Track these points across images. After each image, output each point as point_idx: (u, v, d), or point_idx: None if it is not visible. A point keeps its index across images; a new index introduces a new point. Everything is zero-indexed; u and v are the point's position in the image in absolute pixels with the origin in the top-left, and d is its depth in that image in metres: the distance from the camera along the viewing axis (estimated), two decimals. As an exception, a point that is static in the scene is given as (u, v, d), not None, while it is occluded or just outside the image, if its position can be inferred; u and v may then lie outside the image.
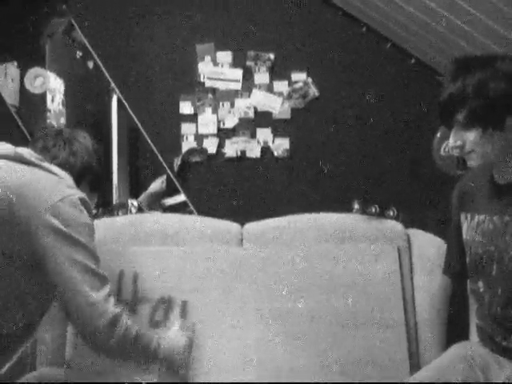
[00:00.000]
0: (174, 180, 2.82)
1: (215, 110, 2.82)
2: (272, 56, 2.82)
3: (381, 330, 1.96)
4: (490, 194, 1.52)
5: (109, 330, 1.35)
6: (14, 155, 1.41)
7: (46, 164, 1.44)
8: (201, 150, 2.82)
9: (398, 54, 2.79)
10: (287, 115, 2.82)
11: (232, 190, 2.83)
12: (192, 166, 2.83)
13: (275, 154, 2.82)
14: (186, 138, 2.83)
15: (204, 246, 2.09)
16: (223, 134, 2.83)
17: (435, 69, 2.75)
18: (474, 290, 1.59)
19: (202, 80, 2.83)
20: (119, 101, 2.84)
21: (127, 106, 2.82)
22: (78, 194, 1.39)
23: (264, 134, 2.82)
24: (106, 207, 2.67)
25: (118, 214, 2.54)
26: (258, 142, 2.82)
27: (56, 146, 1.55)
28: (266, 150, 2.83)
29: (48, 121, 2.85)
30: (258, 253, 2.07)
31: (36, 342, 1.93)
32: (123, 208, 2.72)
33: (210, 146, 2.82)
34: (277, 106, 2.81)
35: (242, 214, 2.44)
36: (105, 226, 2.08)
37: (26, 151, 1.46)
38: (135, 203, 2.75)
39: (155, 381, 1.69)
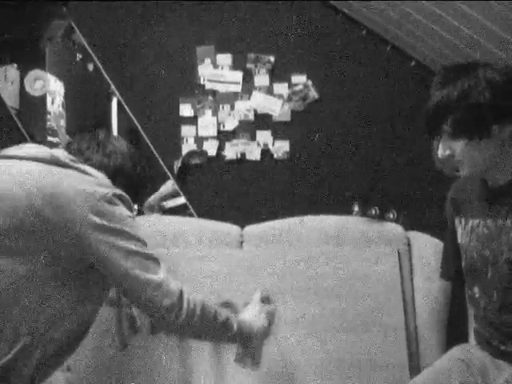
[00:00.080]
0: (174, 182, 2.82)
1: (215, 113, 2.82)
2: (272, 58, 2.82)
3: (381, 332, 1.96)
4: (483, 199, 1.52)
5: (178, 306, 1.38)
6: (51, 158, 1.41)
7: (80, 165, 1.45)
8: (201, 153, 2.82)
9: (398, 57, 2.80)
10: (287, 117, 2.82)
11: (232, 193, 2.83)
12: (192, 168, 2.83)
13: (275, 156, 2.82)
14: (186, 140, 2.83)
15: (204, 249, 2.09)
16: (223, 137, 2.83)
17: (435, 71, 2.75)
18: (470, 295, 1.59)
19: (202, 82, 2.83)
20: (119, 103, 2.84)
21: (127, 109, 2.82)
22: (112, 190, 1.40)
23: (264, 136, 2.82)
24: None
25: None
26: (258, 144, 2.82)
27: (90, 148, 1.56)
28: (265, 152, 2.83)
29: (48, 123, 2.86)
30: (258, 255, 2.08)
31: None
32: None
33: (210, 148, 2.82)
34: (277, 108, 2.81)
35: (242, 217, 2.45)
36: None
37: (61, 154, 1.47)
38: (135, 206, 2.74)
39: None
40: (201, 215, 2.73)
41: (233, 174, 2.83)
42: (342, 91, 2.82)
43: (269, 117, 2.83)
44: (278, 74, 2.82)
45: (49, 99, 2.86)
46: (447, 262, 1.74)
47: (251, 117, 2.82)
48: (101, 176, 1.47)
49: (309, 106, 2.82)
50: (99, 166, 1.52)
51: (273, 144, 2.82)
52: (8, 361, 1.28)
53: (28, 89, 2.85)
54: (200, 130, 2.82)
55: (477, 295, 1.56)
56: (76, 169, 1.42)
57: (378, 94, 2.81)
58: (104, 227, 1.33)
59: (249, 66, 2.82)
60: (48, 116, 2.86)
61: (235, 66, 2.83)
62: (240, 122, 2.82)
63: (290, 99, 2.81)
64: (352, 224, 2.17)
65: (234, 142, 2.82)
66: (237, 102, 2.82)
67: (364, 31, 2.79)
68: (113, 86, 2.82)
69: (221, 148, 2.83)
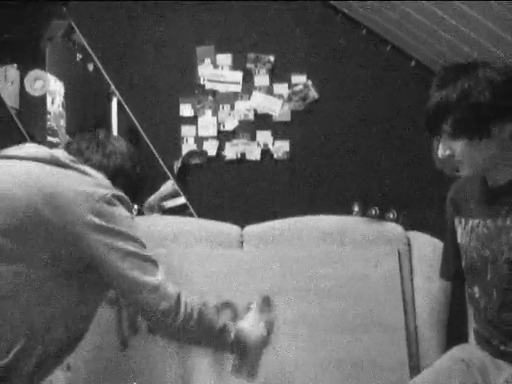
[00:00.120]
0: (174, 182, 2.82)
1: (215, 113, 2.82)
2: (272, 58, 2.82)
3: (381, 332, 1.96)
4: (483, 199, 1.52)
5: (176, 309, 1.36)
6: (50, 158, 1.41)
7: (80, 166, 1.45)
8: (201, 153, 2.82)
9: (398, 57, 2.79)
10: (287, 118, 2.82)
11: (232, 193, 2.82)
12: (192, 168, 2.83)
13: (275, 156, 2.82)
14: (186, 140, 2.83)
15: (204, 249, 2.09)
16: (223, 137, 2.83)
17: (435, 71, 2.75)
18: (470, 295, 1.59)
19: (201, 82, 2.83)
20: (119, 103, 2.84)
21: (127, 109, 2.82)
22: (112, 191, 1.40)
23: (264, 136, 2.82)
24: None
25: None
26: (258, 144, 2.82)
27: (89, 148, 1.56)
28: (265, 152, 2.83)
29: (48, 123, 2.86)
30: (258, 255, 2.08)
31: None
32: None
33: (210, 148, 2.82)
34: (277, 108, 2.81)
35: (242, 217, 2.45)
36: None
37: (61, 154, 1.47)
38: (135, 205, 2.74)
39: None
40: (201, 215, 2.73)
41: (233, 174, 2.83)
42: (342, 91, 2.82)
43: (269, 117, 2.82)
44: (277, 73, 2.82)
45: (49, 99, 2.86)
46: (447, 261, 1.75)
47: (251, 117, 2.82)
48: (100, 177, 1.47)
49: (309, 106, 2.82)
50: (99, 167, 1.53)
51: (273, 144, 2.82)
52: (9, 361, 1.28)
53: (28, 89, 2.84)
54: (200, 130, 2.82)
55: (477, 295, 1.56)
56: (76, 169, 1.42)
57: (377, 93, 2.81)
58: (103, 228, 1.33)
59: (249, 65, 2.82)
60: (48, 116, 2.86)
61: (235, 65, 2.83)
62: (240, 122, 2.82)
63: (290, 99, 2.81)
64: (352, 224, 2.17)
65: (234, 142, 2.82)
66: (237, 102, 2.82)
67: (364, 31, 2.79)
68: (113, 86, 2.82)
69: (221, 148, 2.82)
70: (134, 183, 1.64)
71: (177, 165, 2.81)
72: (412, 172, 2.79)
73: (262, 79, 2.82)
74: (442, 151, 1.43)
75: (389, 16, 2.47)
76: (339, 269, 2.04)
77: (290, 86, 2.81)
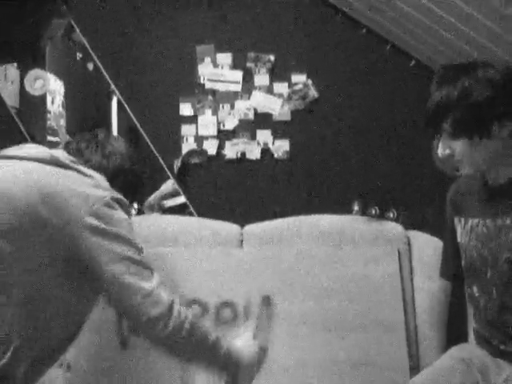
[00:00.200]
0: (174, 181, 2.82)
1: (215, 112, 2.82)
2: (272, 57, 2.82)
3: (381, 331, 1.96)
4: (483, 198, 1.52)
5: (167, 317, 1.34)
6: (50, 159, 1.41)
7: (80, 166, 1.45)
8: (201, 152, 2.82)
9: (397, 56, 2.79)
10: (287, 117, 2.82)
11: (232, 192, 2.82)
12: (192, 167, 2.83)
13: (275, 155, 2.82)
14: (186, 139, 2.83)
15: (204, 248, 2.09)
16: (223, 136, 2.83)
17: (435, 71, 2.74)
18: (470, 295, 1.59)
19: (201, 82, 2.83)
20: (119, 102, 2.84)
21: (127, 108, 2.82)
22: (111, 193, 1.40)
23: (264, 135, 2.82)
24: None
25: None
26: (258, 143, 2.82)
27: (89, 148, 1.56)
28: (265, 151, 2.83)
29: (48, 122, 2.86)
30: (258, 254, 2.08)
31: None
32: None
33: (210, 147, 2.82)
34: (277, 107, 2.81)
35: (242, 216, 2.45)
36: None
37: (60, 154, 1.47)
38: (135, 205, 2.74)
39: None
40: (201, 214, 2.73)
41: (233, 174, 2.83)
42: (341, 90, 2.82)
43: (269, 116, 2.82)
44: (277, 73, 2.82)
45: (49, 98, 2.86)
46: (447, 261, 1.75)
47: (251, 116, 2.82)
48: (100, 178, 1.47)
49: (309, 106, 2.82)
50: (98, 167, 1.53)
51: (273, 143, 2.82)
52: (5, 362, 1.28)
53: (28, 88, 2.84)
54: (200, 129, 2.82)
55: (476, 294, 1.56)
56: (75, 170, 1.42)
57: (377, 93, 2.81)
58: (100, 230, 1.32)
59: (249, 65, 2.82)
60: (48, 115, 2.86)
61: (235, 65, 2.83)
62: (240, 121, 2.82)
63: (289, 98, 2.81)
64: (352, 223, 2.16)
65: (234, 141, 2.82)
66: (237, 101, 2.82)
67: (364, 30, 2.79)
68: (113, 86, 2.82)
69: (221, 147, 2.83)
70: (133, 184, 1.64)
71: (177, 164, 2.81)
72: (412, 171, 2.79)
73: (261, 78, 2.82)
74: (441, 150, 1.43)
75: (388, 15, 2.47)
76: (339, 268, 2.04)
77: (290, 85, 2.81)
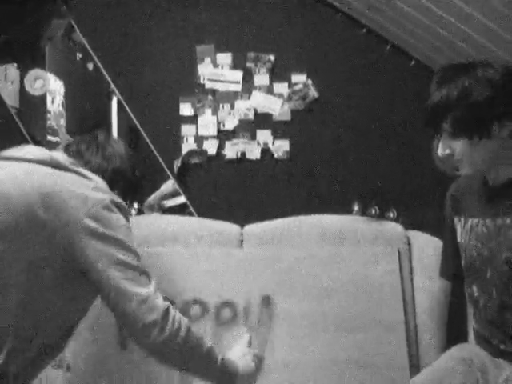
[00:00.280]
0: (174, 181, 2.82)
1: (215, 112, 2.83)
2: (272, 57, 2.82)
3: (381, 331, 1.96)
4: (483, 198, 1.52)
5: (162, 323, 1.33)
6: (50, 160, 1.40)
7: (79, 169, 1.44)
8: (201, 152, 2.82)
9: (397, 56, 2.80)
10: (287, 117, 2.82)
11: (232, 192, 2.83)
12: (192, 167, 2.83)
13: (275, 155, 2.82)
14: (186, 139, 2.83)
15: (204, 248, 2.09)
16: (223, 136, 2.83)
17: (435, 71, 2.74)
18: (470, 294, 1.59)
19: (201, 81, 2.83)
20: (119, 102, 2.84)
21: (127, 108, 2.82)
22: (110, 197, 1.39)
23: (264, 135, 2.82)
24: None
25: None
26: (258, 143, 2.82)
27: (89, 150, 1.55)
28: (265, 151, 2.83)
29: (48, 122, 2.86)
30: (258, 254, 2.07)
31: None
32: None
33: (210, 147, 2.82)
34: (277, 107, 2.81)
35: (242, 216, 2.44)
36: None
37: (60, 156, 1.47)
38: (135, 205, 2.75)
39: None
40: (201, 214, 2.73)
41: (233, 174, 2.83)
42: (341, 90, 2.82)
43: (269, 116, 2.83)
44: (277, 73, 2.83)
45: (49, 98, 2.86)
46: (447, 261, 1.75)
47: (251, 116, 2.82)
48: (99, 180, 1.47)
49: (309, 105, 2.82)
50: (98, 169, 1.52)
51: (273, 143, 2.82)
52: (1, 362, 1.28)
53: (28, 88, 2.85)
54: (200, 129, 2.82)
55: (476, 294, 1.56)
56: (75, 172, 1.41)
57: (377, 93, 2.81)
58: (98, 233, 1.32)
59: (249, 65, 2.82)
60: (48, 115, 2.86)
61: (235, 65, 2.83)
62: (240, 121, 2.82)
63: (289, 98, 2.81)
64: (352, 223, 2.16)
65: (234, 141, 2.82)
66: (237, 101, 2.82)
67: (364, 30, 2.79)
68: (113, 86, 2.82)
69: (221, 147, 2.83)
70: (133, 186, 1.63)
71: (177, 164, 2.81)
72: (412, 171, 2.79)
73: (261, 78, 2.82)
74: (441, 150, 1.43)
75: (388, 14, 2.47)
76: (339, 268, 2.03)
77: (290, 85, 2.82)
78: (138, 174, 1.65)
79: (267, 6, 2.82)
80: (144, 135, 2.81)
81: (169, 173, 2.82)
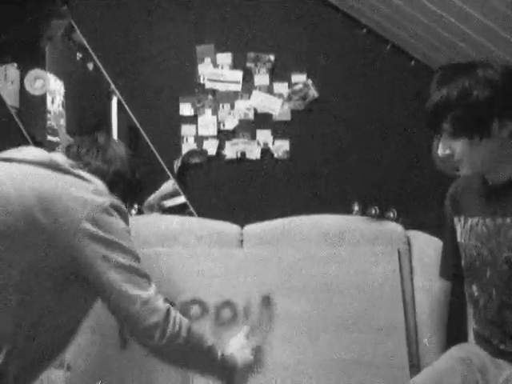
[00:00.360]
0: (174, 181, 2.82)
1: (215, 112, 2.83)
2: (272, 57, 2.82)
3: (381, 331, 1.96)
4: (483, 197, 1.52)
5: (164, 325, 1.33)
6: (49, 162, 1.39)
7: (79, 171, 1.43)
8: (201, 152, 2.82)
9: (398, 56, 2.80)
10: (287, 117, 2.82)
11: (232, 192, 2.83)
12: (192, 167, 2.83)
13: (275, 155, 2.82)
14: (186, 139, 2.83)
15: (204, 248, 2.09)
16: (223, 136, 2.83)
17: (435, 70, 2.74)
18: (470, 294, 1.59)
19: (202, 81, 2.83)
20: (119, 102, 2.84)
21: (127, 108, 2.82)
22: (110, 200, 1.38)
23: (264, 135, 2.82)
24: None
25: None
26: (258, 143, 2.82)
27: (89, 152, 1.54)
28: (265, 151, 2.83)
29: (48, 122, 2.86)
30: (258, 254, 2.08)
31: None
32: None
33: (210, 147, 2.82)
34: (277, 107, 2.81)
35: (242, 216, 2.44)
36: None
37: (60, 158, 1.46)
38: (135, 205, 2.75)
39: None
40: (201, 214, 2.74)
41: (233, 174, 2.83)
42: (341, 90, 2.82)
43: (269, 116, 2.83)
44: (277, 73, 2.83)
45: (49, 98, 2.86)
46: (446, 261, 1.75)
47: (251, 116, 2.82)
48: (99, 183, 1.46)
49: (309, 105, 2.82)
50: (98, 172, 1.51)
51: (273, 143, 2.82)
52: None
53: (28, 88, 2.85)
54: (200, 129, 2.82)
55: (476, 294, 1.56)
56: (74, 174, 1.41)
57: (377, 92, 2.81)
58: (98, 237, 1.31)
59: (249, 65, 2.82)
60: (48, 115, 2.86)
61: (235, 65, 2.83)
62: (240, 121, 2.82)
63: (289, 98, 2.81)
64: (352, 223, 2.16)
65: (234, 141, 2.82)
66: (237, 101, 2.82)
67: (364, 30, 2.79)
68: (113, 86, 2.82)
69: (221, 147, 2.83)
70: (133, 189, 1.63)
71: (177, 164, 2.81)
72: (412, 171, 2.79)
73: (261, 78, 2.82)
74: (441, 150, 1.43)
75: (388, 14, 2.47)
76: (339, 268, 2.03)
77: (290, 85, 2.82)
78: (138, 177, 1.64)
79: (267, 6, 2.82)
80: (144, 135, 2.81)
81: (169, 173, 2.82)
